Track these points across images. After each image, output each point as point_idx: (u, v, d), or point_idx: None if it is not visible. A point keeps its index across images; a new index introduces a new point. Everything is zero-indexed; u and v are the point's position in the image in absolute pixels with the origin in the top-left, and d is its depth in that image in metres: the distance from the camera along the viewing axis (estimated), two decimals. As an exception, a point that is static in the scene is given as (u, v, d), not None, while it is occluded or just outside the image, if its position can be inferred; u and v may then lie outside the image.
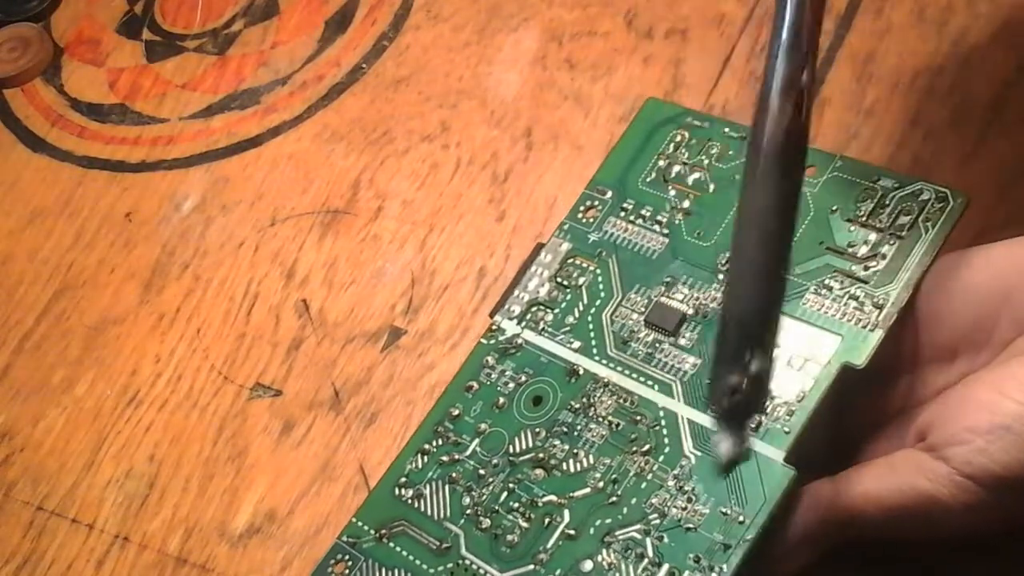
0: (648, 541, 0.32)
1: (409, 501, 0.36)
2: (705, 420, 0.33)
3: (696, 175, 0.38)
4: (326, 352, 0.43)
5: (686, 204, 0.37)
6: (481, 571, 0.34)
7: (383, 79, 0.48)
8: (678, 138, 0.38)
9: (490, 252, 0.43)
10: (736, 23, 0.45)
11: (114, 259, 0.47)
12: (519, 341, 0.37)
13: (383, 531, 0.35)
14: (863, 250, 0.34)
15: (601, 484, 0.34)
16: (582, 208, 0.39)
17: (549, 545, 0.33)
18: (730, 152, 0.38)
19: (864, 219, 0.34)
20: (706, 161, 0.38)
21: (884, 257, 0.34)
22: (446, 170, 0.45)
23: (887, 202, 0.34)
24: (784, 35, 0.28)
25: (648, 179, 0.38)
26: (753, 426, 0.32)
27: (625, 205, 0.38)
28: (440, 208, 0.45)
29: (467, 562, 0.34)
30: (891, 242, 0.34)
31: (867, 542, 0.31)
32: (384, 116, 0.47)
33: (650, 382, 0.35)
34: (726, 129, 0.38)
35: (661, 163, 0.38)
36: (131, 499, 0.42)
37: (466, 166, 0.45)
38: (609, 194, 0.39)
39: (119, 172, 0.50)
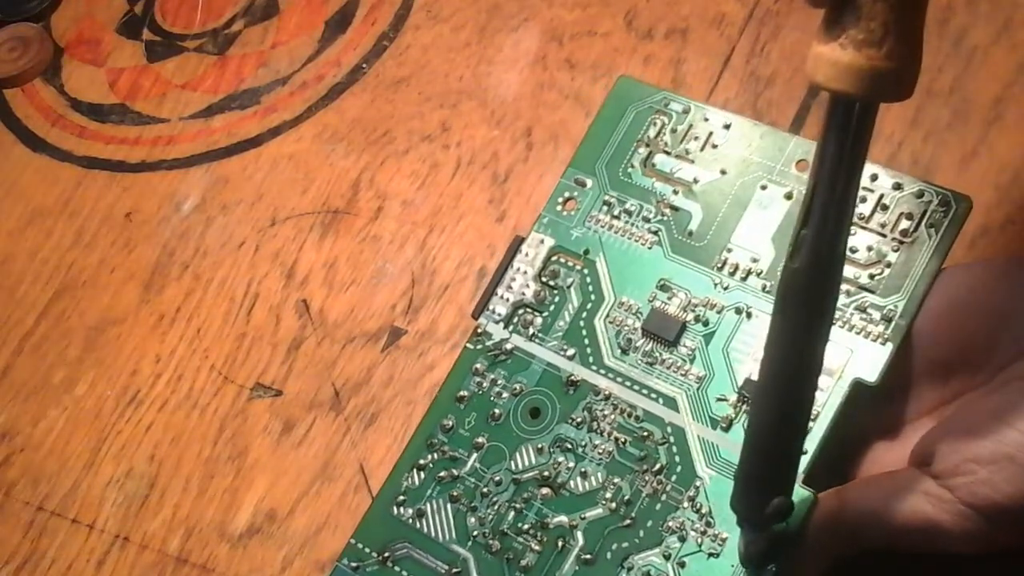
0: (670, 567, 0.31)
1: (410, 521, 0.34)
2: (714, 436, 0.33)
3: (681, 166, 0.36)
4: (326, 352, 0.43)
5: (673, 198, 0.36)
6: None
7: (383, 79, 0.48)
8: (658, 123, 0.37)
9: (490, 252, 0.43)
10: (736, 23, 0.45)
11: (114, 259, 0.47)
12: (508, 347, 0.36)
13: (386, 554, 0.34)
14: (865, 255, 0.33)
15: (613, 505, 0.33)
16: (561, 199, 0.37)
17: (565, 570, 0.32)
18: (714, 142, 0.36)
19: (864, 221, 0.33)
20: (689, 151, 0.36)
21: (889, 265, 0.33)
22: (446, 170, 0.45)
23: (887, 203, 0.33)
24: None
25: (630, 169, 0.37)
26: None
27: (607, 199, 0.37)
28: (440, 208, 0.44)
29: None
30: (894, 248, 0.33)
31: (868, 553, 0.31)
32: (384, 116, 0.47)
33: (653, 395, 0.34)
34: (707, 116, 0.37)
35: (641, 151, 0.37)
36: (131, 499, 0.42)
37: (466, 166, 0.45)
38: (590, 184, 0.37)
39: (119, 172, 0.50)
